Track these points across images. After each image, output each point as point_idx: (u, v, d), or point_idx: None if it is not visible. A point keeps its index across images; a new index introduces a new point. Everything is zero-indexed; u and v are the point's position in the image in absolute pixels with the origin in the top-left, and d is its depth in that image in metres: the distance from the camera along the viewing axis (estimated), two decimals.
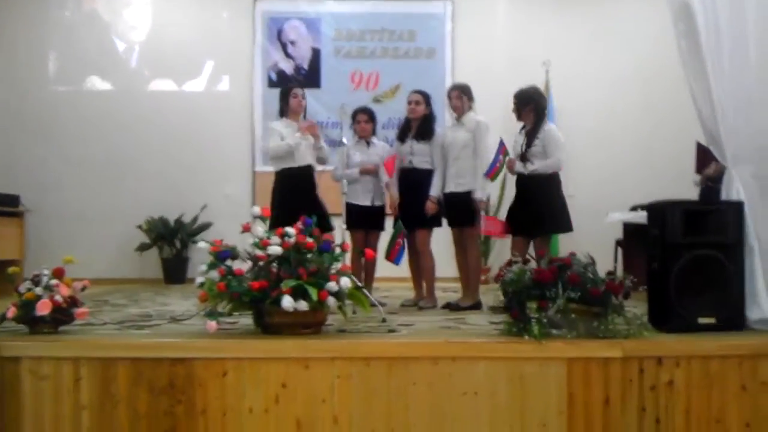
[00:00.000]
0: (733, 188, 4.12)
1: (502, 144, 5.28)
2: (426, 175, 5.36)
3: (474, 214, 5.23)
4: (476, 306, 5.16)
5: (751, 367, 3.59)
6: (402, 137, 5.50)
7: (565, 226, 5.14)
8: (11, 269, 4.00)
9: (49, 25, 8.10)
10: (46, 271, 3.79)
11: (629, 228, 6.66)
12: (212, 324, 3.58)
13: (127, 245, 7.84)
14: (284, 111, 5.59)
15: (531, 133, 5.12)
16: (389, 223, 5.63)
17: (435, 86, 7.82)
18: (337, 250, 3.89)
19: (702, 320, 3.87)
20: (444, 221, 5.50)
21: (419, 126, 5.41)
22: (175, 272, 7.66)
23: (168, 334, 3.90)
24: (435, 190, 5.33)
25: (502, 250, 7.57)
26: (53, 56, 8.13)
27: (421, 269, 5.47)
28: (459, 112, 5.37)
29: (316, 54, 8.11)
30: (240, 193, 7.92)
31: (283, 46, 8.12)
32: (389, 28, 8.09)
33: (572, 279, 3.65)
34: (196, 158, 8.07)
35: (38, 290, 3.68)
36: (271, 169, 7.89)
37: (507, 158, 5.26)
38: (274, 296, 3.59)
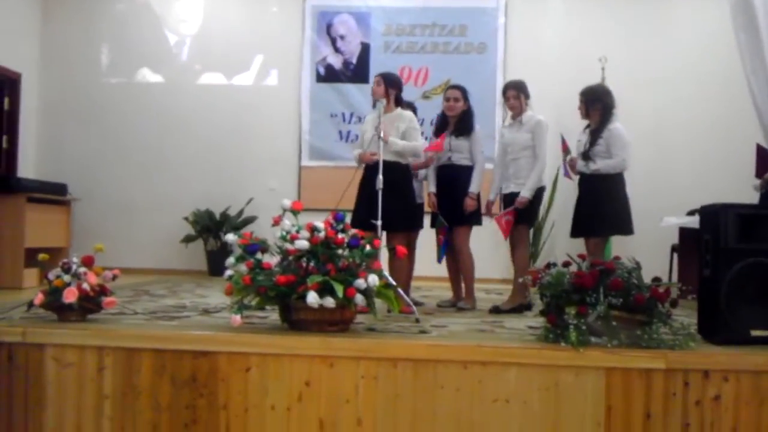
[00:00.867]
0: None
1: (563, 141, 5.10)
2: (465, 172, 5.21)
3: (527, 213, 5.08)
4: (520, 308, 4.97)
5: None
6: (439, 133, 5.35)
7: (626, 228, 4.92)
8: (41, 256, 4.02)
9: (101, 18, 8.20)
10: (75, 259, 3.77)
11: (686, 233, 6.38)
12: (236, 318, 3.51)
13: (174, 237, 7.89)
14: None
15: (595, 132, 4.93)
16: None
17: (485, 82, 7.75)
18: (368, 247, 3.77)
19: (755, 332, 3.62)
20: (485, 219, 5.38)
21: (458, 122, 5.27)
22: (218, 265, 7.60)
23: (195, 326, 3.85)
24: (475, 187, 5.18)
25: (550, 251, 7.35)
26: (105, 49, 8.23)
27: (460, 269, 5.31)
28: (517, 111, 5.22)
29: (365, 49, 8.00)
30: (285, 188, 7.88)
31: (333, 41, 8.04)
32: (440, 23, 7.92)
33: (615, 284, 3.45)
34: (243, 152, 8.07)
35: (66, 278, 3.67)
36: (315, 164, 7.99)
37: (569, 157, 5.07)
38: (300, 292, 3.49)
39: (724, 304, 3.60)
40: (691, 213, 6.59)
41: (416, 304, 4.85)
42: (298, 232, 3.73)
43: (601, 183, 4.85)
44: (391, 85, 5.01)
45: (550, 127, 5.20)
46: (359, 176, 5.03)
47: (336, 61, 8.03)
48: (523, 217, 5.10)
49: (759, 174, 5.36)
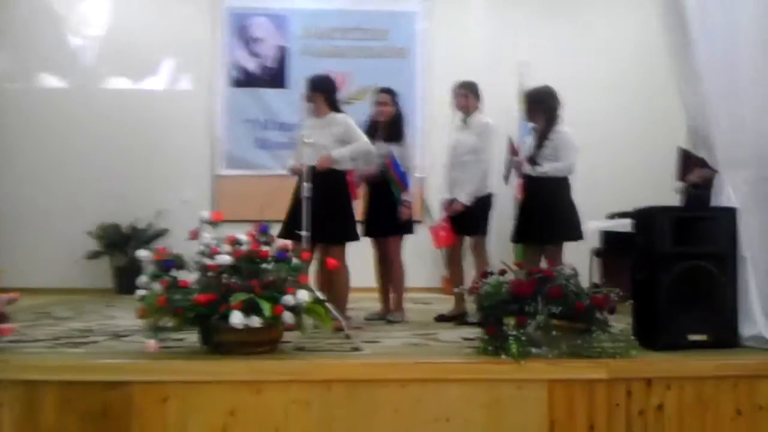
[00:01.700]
0: (724, 194, 3.84)
1: (510, 143, 4.96)
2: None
3: (478, 221, 4.97)
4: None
5: (747, 389, 3.33)
6: (370, 138, 5.12)
7: (577, 233, 4.83)
8: None
9: (0, 21, 7.59)
10: None
11: (608, 237, 6.39)
12: (151, 343, 3.19)
13: (77, 252, 7.33)
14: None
15: (542, 135, 4.82)
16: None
17: (406, 86, 7.55)
18: (295, 260, 3.51)
19: (692, 337, 3.60)
20: (417, 228, 5.26)
21: (388, 127, 5.07)
22: (127, 282, 7.11)
23: (104, 353, 3.50)
24: (408, 194, 5.00)
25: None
26: (4, 52, 7.62)
27: (392, 280, 5.11)
28: (465, 113, 5.08)
29: (282, 52, 7.71)
30: (199, 198, 7.45)
31: (248, 44, 7.71)
32: (361, 27, 7.73)
33: (554, 292, 3.33)
34: (153, 160, 7.60)
35: None
36: (231, 172, 7.63)
37: (514, 159, 4.92)
38: (223, 311, 3.20)
39: (661, 309, 3.55)
40: (611, 216, 6.64)
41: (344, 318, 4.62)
42: (218, 245, 3.43)
43: (548, 187, 4.74)
44: (316, 88, 4.73)
45: (498, 131, 5.08)
46: (283, 185, 4.73)
47: (252, 65, 7.70)
48: (472, 227, 4.99)
49: (680, 177, 5.41)
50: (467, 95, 5.08)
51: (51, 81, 7.66)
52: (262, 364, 3.18)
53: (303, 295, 3.31)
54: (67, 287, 7.30)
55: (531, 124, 5.08)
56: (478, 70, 5.60)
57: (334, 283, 4.52)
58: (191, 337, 3.64)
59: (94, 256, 7.29)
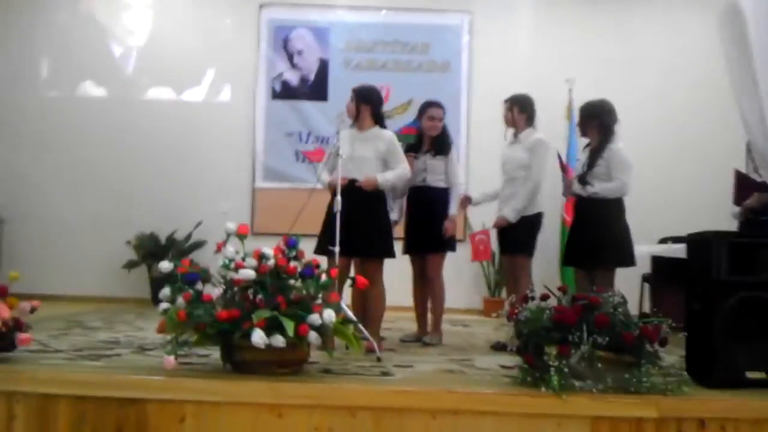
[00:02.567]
0: None
1: (560, 159, 4.73)
2: (441, 194, 4.84)
3: (523, 241, 4.73)
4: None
5: None
6: (414, 151, 4.94)
7: (629, 259, 4.56)
8: None
9: (42, 29, 7.63)
10: None
11: (659, 263, 6.09)
12: (170, 359, 3.03)
13: (116, 262, 7.30)
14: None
15: (594, 152, 4.56)
16: None
17: (448, 102, 7.33)
18: (324, 277, 3.34)
19: (751, 374, 3.30)
20: (459, 246, 5.07)
21: (435, 140, 4.88)
22: None
23: (124, 367, 3.36)
24: (454, 209, 4.81)
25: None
26: (46, 61, 7.69)
27: (431, 300, 4.88)
28: (511, 127, 4.93)
29: (323, 65, 7.61)
30: (238, 211, 7.37)
31: (289, 56, 7.62)
32: (402, 40, 7.58)
33: (600, 321, 3.08)
34: (193, 172, 7.56)
35: None
36: (270, 185, 7.53)
37: (564, 177, 4.70)
38: (245, 329, 3.04)
39: (717, 343, 3.27)
40: (663, 241, 6.34)
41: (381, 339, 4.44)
42: (243, 259, 3.27)
43: (599, 208, 4.48)
44: (364, 99, 4.52)
45: (551, 148, 4.88)
46: (316, 199, 4.54)
47: (293, 78, 7.61)
48: (516, 245, 4.76)
49: (737, 201, 5.11)
50: (512, 109, 4.88)
51: (92, 90, 7.67)
52: (285, 387, 3.00)
53: (330, 315, 3.12)
54: (105, 296, 7.29)
55: (584, 141, 4.84)
56: (522, 86, 5.39)
57: (369, 302, 4.33)
58: (216, 354, 3.49)
59: (131, 265, 7.24)
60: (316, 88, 7.56)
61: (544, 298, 3.35)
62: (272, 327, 3.05)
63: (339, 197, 4.11)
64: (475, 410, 2.98)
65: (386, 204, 4.56)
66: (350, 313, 3.82)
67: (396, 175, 4.43)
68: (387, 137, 4.49)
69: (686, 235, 3.66)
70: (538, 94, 5.18)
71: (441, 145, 4.88)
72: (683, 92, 7.38)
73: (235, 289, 3.28)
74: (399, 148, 4.53)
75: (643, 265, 6.33)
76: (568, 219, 5.14)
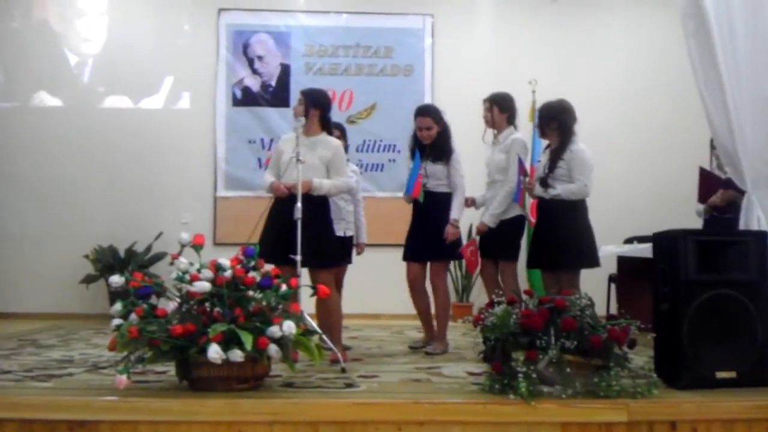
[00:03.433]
0: (753, 217, 3.52)
1: (520, 163, 4.62)
2: (443, 199, 4.70)
3: (505, 245, 4.62)
4: None
5: None
6: (414, 156, 4.83)
7: (594, 260, 4.48)
8: None
9: None
10: None
11: (625, 263, 6.07)
12: (122, 379, 2.88)
13: (74, 277, 7.08)
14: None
15: (555, 154, 4.46)
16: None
17: (413, 105, 7.23)
18: (284, 287, 3.22)
19: (720, 374, 3.25)
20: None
21: (433, 145, 4.75)
22: None
23: (75, 388, 3.20)
24: (456, 213, 4.66)
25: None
26: None
27: (436, 307, 4.73)
28: (491, 127, 4.83)
29: (285, 70, 7.48)
30: (200, 221, 7.21)
31: (250, 62, 7.48)
32: (364, 44, 7.50)
33: (567, 324, 3.02)
34: (153, 182, 7.37)
35: None
36: (232, 194, 7.38)
37: (526, 180, 4.61)
38: (201, 344, 2.91)
39: (686, 343, 3.22)
40: (628, 241, 6.33)
41: (345, 348, 4.33)
42: (199, 271, 3.14)
43: (562, 210, 4.39)
44: (314, 103, 4.35)
45: (529, 147, 4.80)
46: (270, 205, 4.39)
47: (254, 84, 7.47)
48: (497, 251, 4.66)
49: (702, 199, 5.10)
50: (490, 107, 4.79)
51: (47, 100, 7.44)
52: (243, 403, 2.87)
53: (290, 327, 3.00)
54: (63, 312, 7.06)
55: (545, 142, 4.78)
56: (485, 88, 5.34)
57: (327, 311, 4.20)
58: (172, 370, 3.34)
59: (89, 280, 7.02)
60: (277, 94, 7.43)
61: (512, 302, 3.27)
62: (230, 341, 2.93)
63: (299, 204, 3.97)
64: (442, 420, 2.88)
65: (329, 211, 4.37)
66: (313, 324, 3.71)
67: (332, 185, 4.24)
68: (334, 145, 4.33)
69: (652, 234, 3.60)
70: (500, 92, 5.12)
71: (440, 149, 4.74)
72: (646, 90, 7.42)
73: (191, 302, 3.15)
74: (344, 159, 4.40)
75: (609, 266, 6.32)
76: (533, 221, 5.07)
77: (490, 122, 4.83)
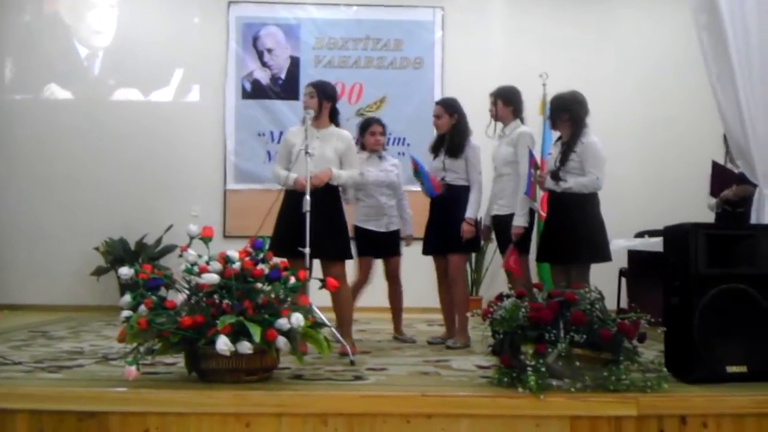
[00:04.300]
0: (765, 211, 3.49)
1: (531, 156, 4.58)
2: (462, 193, 4.68)
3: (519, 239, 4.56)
4: None
5: None
6: (435, 152, 4.84)
7: (605, 254, 4.41)
8: None
9: (6, 30, 7.44)
10: None
11: (636, 257, 6.03)
12: (131, 370, 2.90)
13: (85, 268, 7.11)
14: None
15: (567, 146, 4.40)
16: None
17: (423, 98, 7.34)
18: (292, 279, 3.22)
19: (731, 369, 3.23)
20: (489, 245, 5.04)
21: (450, 139, 4.74)
22: None
23: (84, 379, 3.22)
24: (471, 211, 4.64)
25: (495, 278, 6.94)
26: (9, 62, 7.48)
27: (455, 301, 4.72)
28: (497, 121, 4.78)
29: (294, 63, 7.47)
30: (209, 213, 7.22)
31: (259, 55, 7.48)
32: (374, 37, 7.48)
33: (576, 318, 3.00)
34: (163, 174, 7.39)
35: None
36: (242, 187, 7.38)
37: (538, 172, 4.57)
38: (210, 336, 2.92)
39: (696, 337, 3.20)
40: (639, 235, 6.30)
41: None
42: (208, 263, 3.15)
43: (573, 203, 4.32)
44: (326, 96, 4.34)
45: (536, 140, 4.75)
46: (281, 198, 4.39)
47: (263, 76, 7.46)
48: (509, 244, 4.59)
49: (714, 192, 5.06)
50: (496, 102, 4.75)
51: (58, 92, 7.46)
52: (252, 395, 2.88)
53: (298, 319, 3.01)
54: (74, 304, 7.08)
55: (555, 135, 4.74)
56: (495, 81, 5.31)
57: (337, 304, 4.20)
58: (181, 362, 3.36)
59: (100, 272, 7.05)
60: (287, 87, 7.42)
61: (521, 295, 3.26)
62: (238, 333, 2.93)
63: (308, 197, 3.96)
64: (450, 413, 2.88)
65: (341, 203, 4.39)
66: (322, 316, 3.71)
67: (349, 176, 4.30)
68: (347, 137, 4.36)
69: (663, 228, 3.57)
70: (506, 86, 5.10)
71: (455, 144, 4.72)
72: (658, 84, 7.35)
73: (200, 294, 3.16)
74: (355, 151, 4.44)
75: (620, 260, 6.28)
76: (543, 215, 5.03)
77: (496, 116, 4.78)
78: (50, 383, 3.11)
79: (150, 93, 7.51)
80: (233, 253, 3.18)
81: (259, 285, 3.18)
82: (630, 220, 6.59)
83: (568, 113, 4.41)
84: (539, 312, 3.04)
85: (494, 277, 6.99)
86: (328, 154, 4.21)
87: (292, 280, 3.26)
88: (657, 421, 2.92)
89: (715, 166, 4.98)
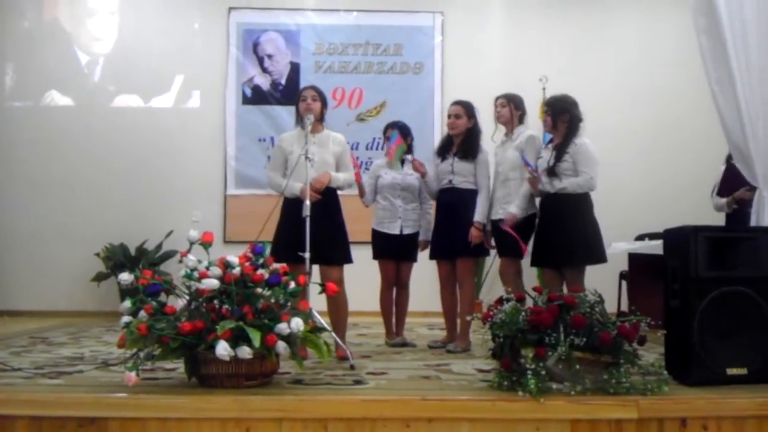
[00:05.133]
0: (766, 213, 3.49)
1: (524, 158, 4.55)
2: (468, 196, 4.66)
3: (517, 242, 4.52)
4: None
5: None
6: (442, 153, 4.81)
7: (600, 255, 4.38)
8: None
9: (5, 36, 7.48)
10: None
11: (636, 260, 6.03)
12: (131, 376, 2.89)
13: (85, 274, 7.13)
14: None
15: (561, 147, 4.39)
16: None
17: (423, 103, 7.37)
18: (292, 284, 3.22)
19: (732, 371, 3.23)
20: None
21: (462, 142, 4.73)
22: None
23: (84, 385, 3.21)
24: (480, 216, 4.62)
25: (495, 282, 6.93)
26: (10, 69, 7.50)
27: (461, 305, 4.70)
28: (505, 121, 4.75)
29: (294, 69, 7.49)
30: (210, 218, 7.24)
31: (260, 60, 7.50)
32: (374, 42, 7.50)
33: (576, 321, 3.01)
34: (163, 180, 7.42)
35: None
36: (242, 192, 7.39)
37: (531, 173, 4.55)
38: (210, 341, 2.92)
39: (696, 340, 3.20)
40: (640, 237, 6.29)
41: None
42: (208, 268, 3.15)
43: (567, 205, 4.32)
44: (325, 101, 4.39)
45: (542, 144, 4.72)
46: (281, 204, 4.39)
47: (263, 82, 7.48)
48: (508, 249, 4.57)
49: (726, 192, 5.06)
50: (507, 103, 4.72)
51: (58, 99, 7.49)
52: (252, 400, 2.87)
53: (298, 324, 3.01)
54: (74, 310, 7.11)
55: (548, 137, 4.74)
56: (495, 85, 5.33)
57: (335, 309, 4.20)
58: (181, 367, 3.35)
59: (100, 278, 7.06)
60: (287, 93, 7.41)
61: (520, 299, 3.27)
62: (238, 338, 2.93)
63: (308, 202, 3.97)
64: (451, 417, 2.88)
65: (340, 207, 4.40)
66: (322, 321, 3.71)
67: (346, 179, 4.33)
68: (341, 140, 4.40)
69: (663, 230, 3.57)
70: (512, 92, 5.10)
71: (468, 147, 4.71)
72: (657, 87, 7.38)
73: (200, 299, 3.16)
74: (350, 153, 4.47)
75: (621, 263, 6.29)
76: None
77: (506, 119, 4.75)
78: (50, 389, 3.11)
79: (150, 99, 7.53)
80: (233, 259, 3.18)
81: (258, 290, 3.19)
82: (630, 223, 6.61)
83: (568, 114, 4.42)
84: (539, 315, 3.04)
85: (494, 281, 6.98)
86: (327, 158, 4.24)
87: (292, 285, 3.26)
88: (657, 424, 2.91)
89: (730, 166, 4.93)
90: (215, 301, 3.15)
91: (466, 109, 4.76)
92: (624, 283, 6.40)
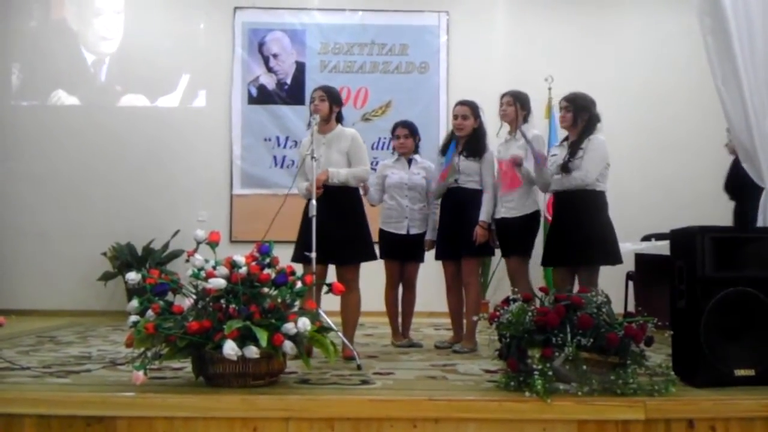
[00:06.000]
0: None
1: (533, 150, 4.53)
2: (473, 195, 4.65)
3: (522, 241, 4.55)
4: None
5: None
6: (446, 151, 4.80)
7: (616, 256, 4.34)
8: None
9: (13, 36, 7.50)
10: None
11: (643, 260, 6.02)
12: (138, 375, 2.91)
13: (92, 274, 7.15)
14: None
15: (575, 144, 4.33)
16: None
17: (428, 102, 7.36)
18: (298, 284, 3.23)
19: (739, 372, 3.22)
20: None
21: (468, 141, 4.72)
22: None
23: (92, 384, 3.23)
24: (485, 215, 4.61)
25: (501, 282, 6.92)
26: (17, 68, 7.53)
27: (467, 305, 4.68)
28: (510, 119, 4.71)
29: (300, 68, 7.50)
30: (216, 218, 7.26)
31: (265, 60, 7.51)
32: (379, 42, 7.50)
33: (583, 322, 3.00)
34: (169, 179, 7.43)
35: None
36: (248, 192, 7.40)
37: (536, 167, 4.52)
38: (217, 340, 2.92)
39: (704, 341, 3.19)
40: (646, 238, 6.28)
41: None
42: (215, 268, 3.16)
43: (582, 204, 4.27)
44: (336, 101, 4.38)
45: (546, 143, 4.72)
46: (293, 205, 4.41)
47: (269, 82, 7.49)
48: (513, 247, 4.58)
49: (729, 186, 5.07)
50: (513, 102, 4.69)
51: (64, 98, 7.51)
52: (259, 399, 2.88)
53: (305, 324, 3.01)
54: (81, 309, 7.13)
55: (560, 137, 4.72)
56: (500, 85, 5.31)
57: (345, 307, 4.21)
58: (189, 366, 3.36)
59: (107, 277, 7.08)
60: (293, 92, 7.44)
61: (527, 299, 3.26)
62: (245, 337, 2.94)
63: (314, 202, 3.99)
64: (457, 417, 2.88)
65: (362, 206, 4.41)
66: (329, 321, 3.71)
67: (351, 173, 4.28)
68: (350, 134, 4.37)
69: (669, 231, 3.56)
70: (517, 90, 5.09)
71: (474, 146, 4.69)
72: (663, 87, 7.35)
73: (207, 299, 3.17)
74: (362, 147, 4.40)
75: (627, 263, 6.25)
76: (549, 218, 5.01)
77: (511, 117, 4.72)
78: (58, 388, 3.12)
79: (156, 99, 7.55)
80: (240, 258, 3.19)
81: (265, 290, 3.20)
82: (637, 224, 6.58)
83: (588, 113, 4.38)
84: (546, 316, 3.04)
85: (500, 281, 6.98)
86: (333, 157, 4.25)
87: (299, 284, 3.27)
88: (665, 425, 2.91)
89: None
90: (222, 301, 3.15)
91: (472, 109, 4.75)
92: (631, 284, 6.38)
